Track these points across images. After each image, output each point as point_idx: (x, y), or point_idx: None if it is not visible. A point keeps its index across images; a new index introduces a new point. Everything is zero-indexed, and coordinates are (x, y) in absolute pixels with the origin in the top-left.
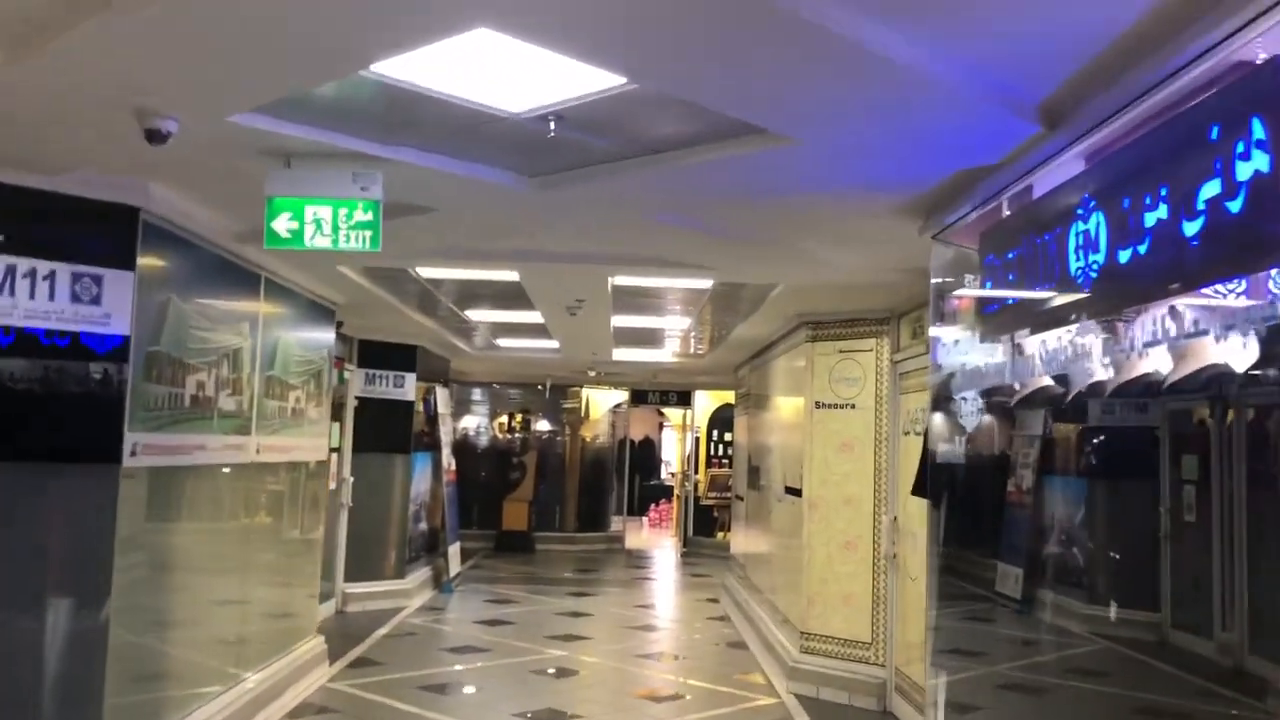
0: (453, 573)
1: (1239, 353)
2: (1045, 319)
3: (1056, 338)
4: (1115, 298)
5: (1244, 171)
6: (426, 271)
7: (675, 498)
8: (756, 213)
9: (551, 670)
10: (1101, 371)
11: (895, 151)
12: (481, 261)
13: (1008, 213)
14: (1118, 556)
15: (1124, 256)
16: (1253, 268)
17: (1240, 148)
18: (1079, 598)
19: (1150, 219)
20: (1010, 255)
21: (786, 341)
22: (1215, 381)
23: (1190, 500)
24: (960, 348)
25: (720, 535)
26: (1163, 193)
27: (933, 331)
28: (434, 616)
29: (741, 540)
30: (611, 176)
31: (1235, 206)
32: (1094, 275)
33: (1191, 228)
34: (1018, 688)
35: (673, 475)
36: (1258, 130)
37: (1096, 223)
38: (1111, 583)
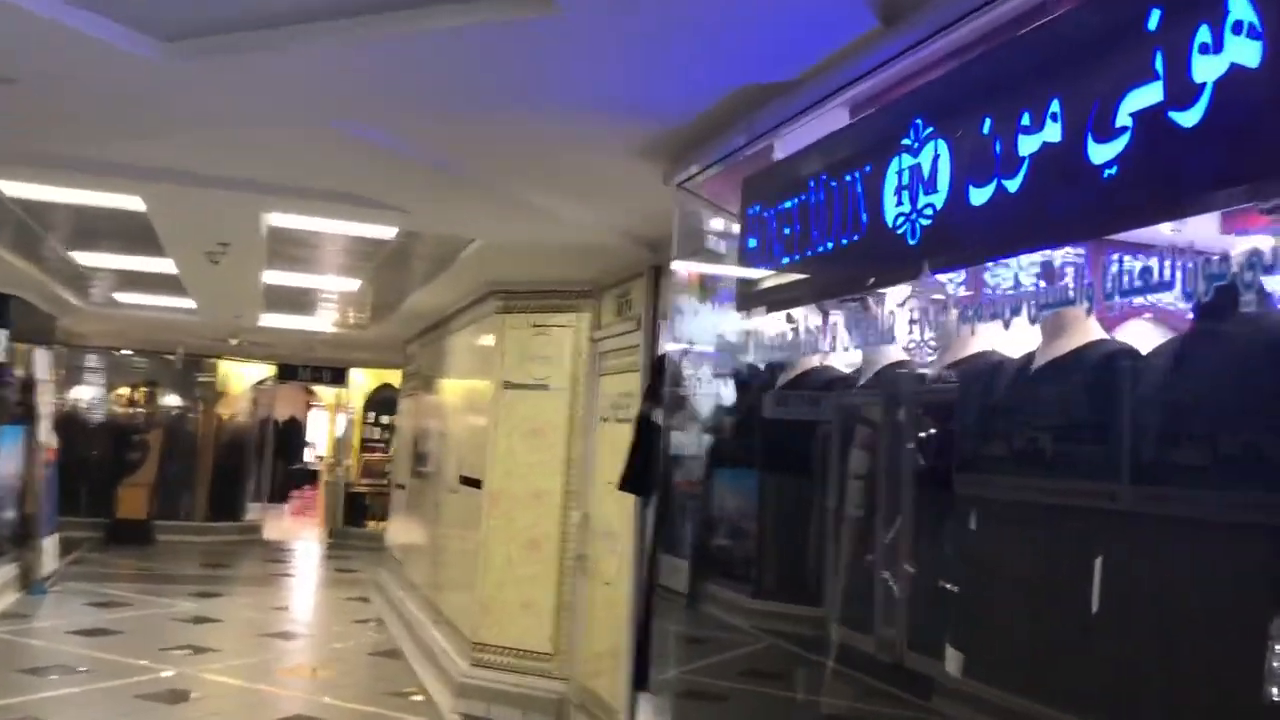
0: (46, 570)
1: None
2: (839, 283)
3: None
4: (960, 252)
5: (1207, 69)
6: (14, 188)
7: (323, 484)
8: (473, 133)
9: (163, 694)
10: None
11: (676, 47)
12: (93, 176)
13: (785, 154)
14: (785, 551)
15: (979, 197)
16: (1207, 206)
17: (1204, 36)
18: (746, 592)
19: (1029, 144)
20: (789, 203)
21: (472, 313)
22: (893, 378)
23: (858, 496)
24: (701, 321)
25: (373, 525)
26: (1053, 108)
27: (674, 300)
28: (15, 626)
29: (401, 533)
30: (286, 46)
31: (1190, 118)
32: (925, 224)
33: (1104, 152)
34: (697, 695)
35: (320, 459)
36: (1242, 10)
37: (934, 154)
38: (778, 577)
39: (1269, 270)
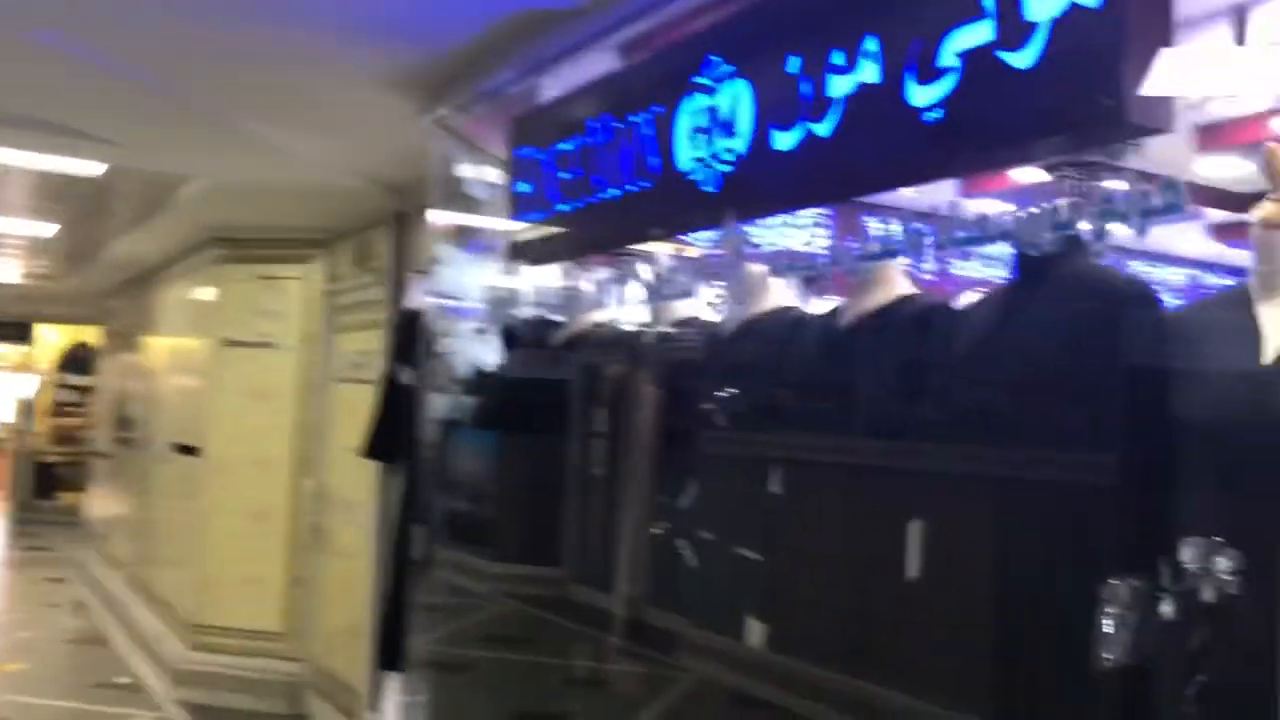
0: None
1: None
2: (627, 232)
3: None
4: (766, 202)
5: (1042, 7)
6: None
7: (8, 453)
8: (195, 52)
9: None
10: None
11: None
12: None
13: (562, 91)
14: (524, 511)
15: (785, 141)
16: (1033, 154)
17: None
18: (487, 556)
19: (841, 85)
20: (567, 146)
21: (188, 262)
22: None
23: (599, 454)
24: (461, 274)
25: (67, 498)
26: (869, 46)
27: (428, 250)
28: None
29: (104, 506)
30: None
31: (1023, 59)
32: (725, 170)
33: (926, 94)
34: (440, 665)
35: (3, 426)
36: None
37: (734, 96)
38: (518, 539)
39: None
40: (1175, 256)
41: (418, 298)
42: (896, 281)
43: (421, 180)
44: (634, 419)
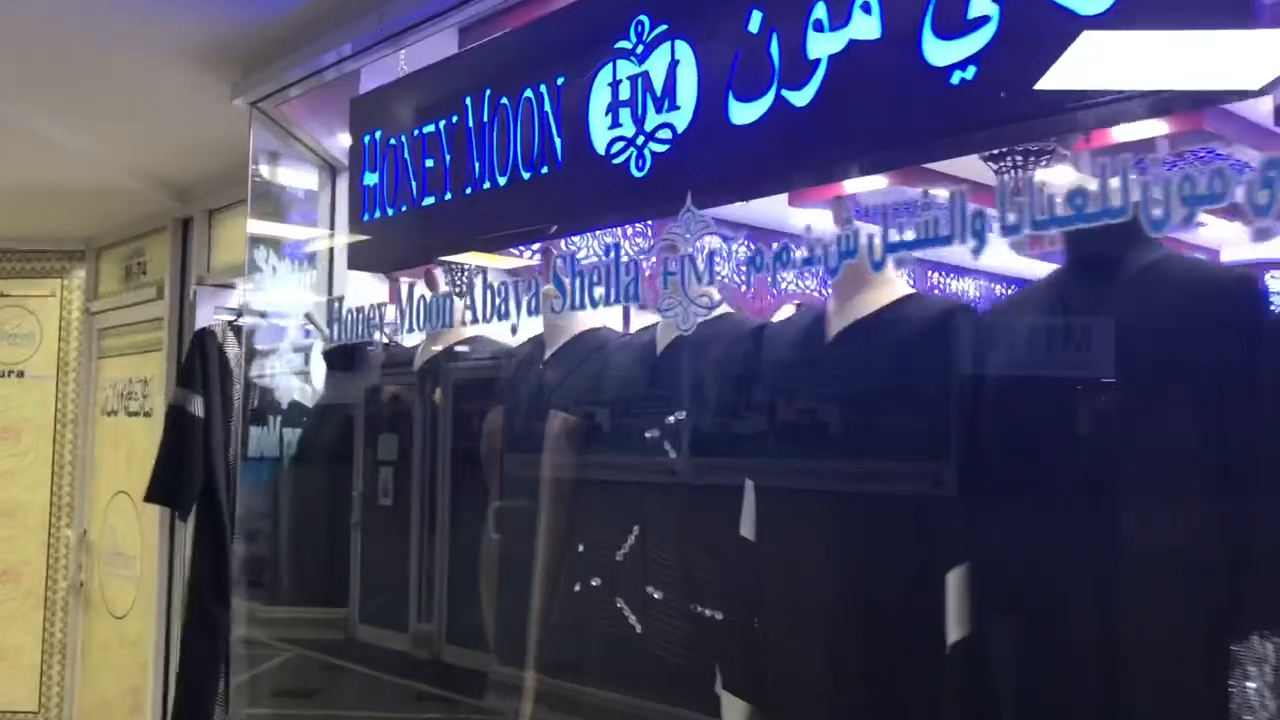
0: None
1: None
2: (520, 227)
3: None
4: (711, 187)
5: None
6: None
7: None
8: None
9: None
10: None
11: None
12: None
13: (416, 64)
14: (308, 548)
15: (746, 114)
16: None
17: None
18: (263, 599)
19: (826, 44)
20: (434, 127)
21: None
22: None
23: (388, 484)
24: (275, 286)
25: None
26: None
27: (244, 256)
28: None
29: None
30: None
31: (1095, 4)
32: (659, 150)
33: (952, 51)
34: None
35: None
36: None
37: (670, 60)
38: (298, 579)
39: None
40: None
41: (210, 315)
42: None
43: (213, 178)
44: (427, 445)
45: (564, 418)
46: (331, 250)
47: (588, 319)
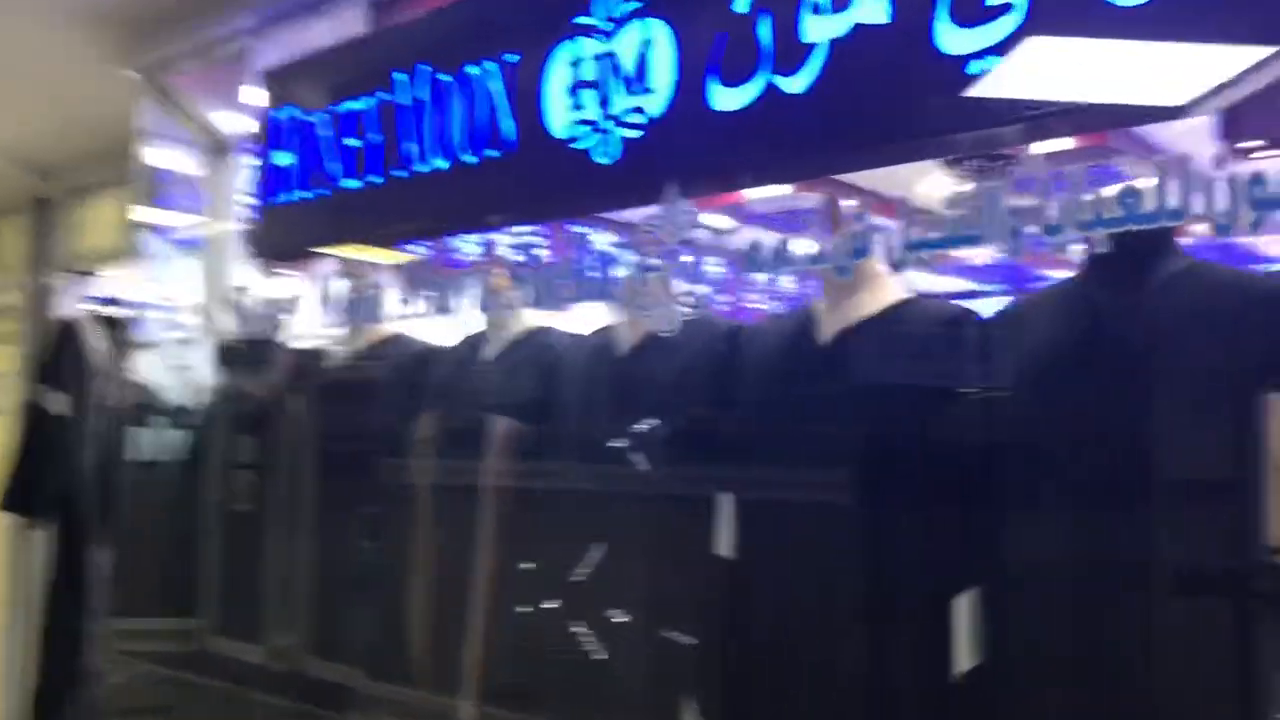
0: None
1: None
2: (462, 214)
3: None
4: (689, 176)
5: None
6: None
7: None
8: None
9: None
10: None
11: None
12: None
13: (336, 40)
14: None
15: (730, 99)
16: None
17: None
18: (104, 612)
19: (824, 27)
20: (362, 103)
21: None
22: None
23: (246, 488)
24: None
25: None
26: None
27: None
28: None
29: None
30: None
31: None
32: (630, 136)
33: (970, 40)
34: None
35: None
36: None
37: (643, 39)
38: (142, 590)
39: None
40: None
41: (72, 304)
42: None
43: (79, 155)
44: (290, 447)
45: (508, 423)
46: (221, 236)
47: (533, 318)
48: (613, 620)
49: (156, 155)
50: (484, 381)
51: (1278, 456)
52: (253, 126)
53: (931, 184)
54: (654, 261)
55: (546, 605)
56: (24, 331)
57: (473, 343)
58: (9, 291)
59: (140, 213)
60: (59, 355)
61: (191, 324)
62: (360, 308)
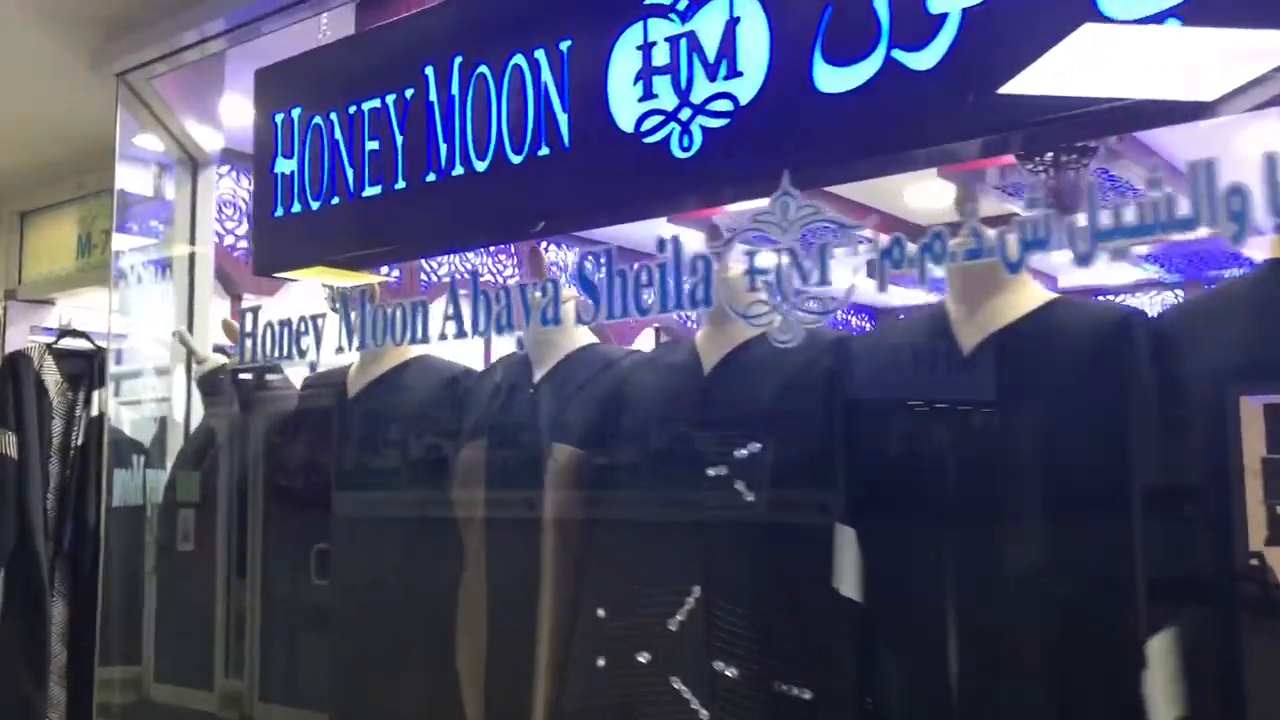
0: None
1: None
2: (489, 219)
3: None
4: (794, 166)
5: None
6: None
7: None
8: None
9: None
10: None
11: None
12: None
13: (342, 33)
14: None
15: (841, 80)
16: None
17: None
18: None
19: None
20: (373, 104)
21: None
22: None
23: (189, 526)
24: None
25: None
26: None
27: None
28: None
29: None
30: None
31: None
32: (713, 125)
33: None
34: None
35: None
36: None
37: (729, 17)
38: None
39: None
40: None
41: (23, 336)
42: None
43: (28, 172)
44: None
45: (570, 451)
46: (192, 257)
47: (581, 335)
48: (717, 674)
49: (124, 170)
50: (535, 405)
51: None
52: (222, 140)
53: (924, 193)
54: (764, 262)
55: (638, 658)
56: None
57: (513, 362)
58: None
59: (103, 233)
60: (9, 391)
61: (161, 354)
62: (378, 327)
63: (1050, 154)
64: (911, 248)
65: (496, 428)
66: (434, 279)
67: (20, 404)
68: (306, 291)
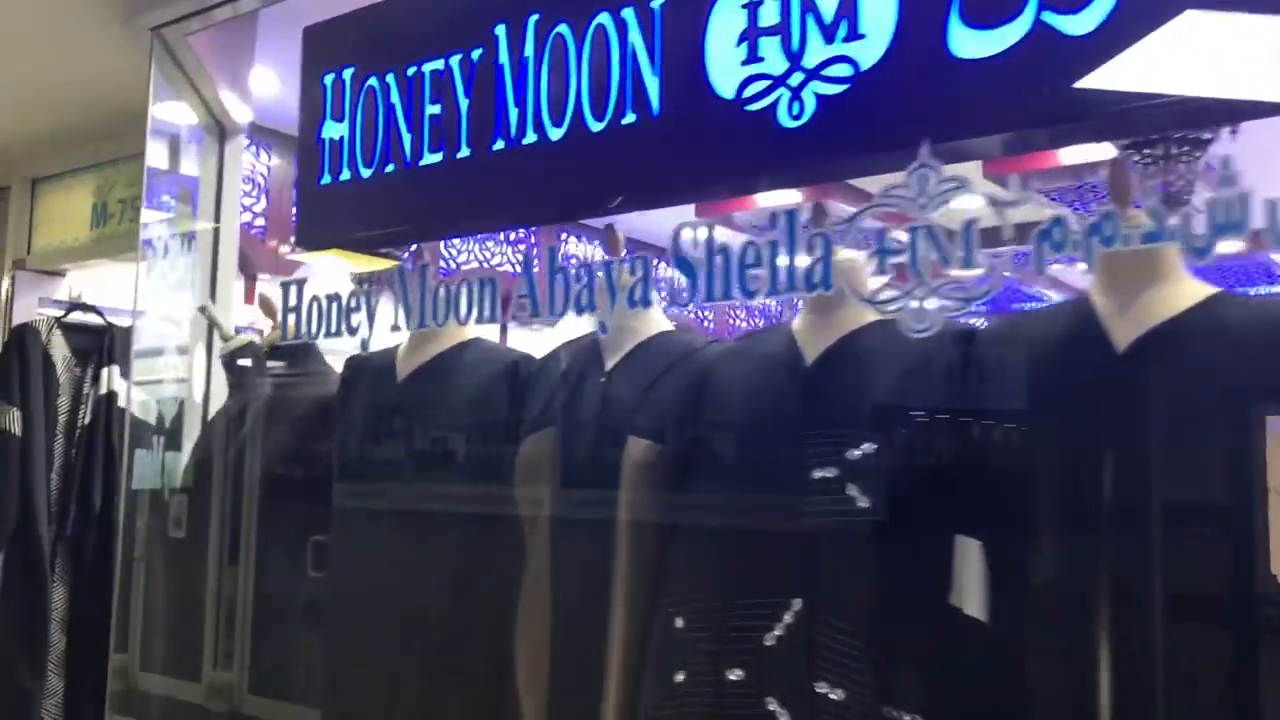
0: None
1: None
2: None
3: None
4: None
5: None
6: None
7: None
8: None
9: None
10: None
11: None
12: None
13: None
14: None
15: (977, 45)
16: None
17: None
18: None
19: None
20: (435, 64)
21: None
22: None
23: (180, 512)
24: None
25: None
26: None
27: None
28: None
29: None
30: None
31: None
32: (828, 92)
33: None
34: None
35: None
36: None
37: None
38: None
39: None
40: None
41: (31, 309)
42: None
43: (42, 137)
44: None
45: (647, 445)
46: (216, 232)
47: (659, 320)
48: (819, 695)
49: (148, 134)
50: (607, 395)
51: None
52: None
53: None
54: (898, 240)
55: (729, 675)
56: None
57: (581, 348)
58: None
59: (119, 202)
60: (16, 366)
61: (179, 333)
62: (440, 305)
63: (1161, 145)
64: (1076, 228)
65: (565, 419)
66: (453, 265)
67: (26, 379)
68: (327, 273)
